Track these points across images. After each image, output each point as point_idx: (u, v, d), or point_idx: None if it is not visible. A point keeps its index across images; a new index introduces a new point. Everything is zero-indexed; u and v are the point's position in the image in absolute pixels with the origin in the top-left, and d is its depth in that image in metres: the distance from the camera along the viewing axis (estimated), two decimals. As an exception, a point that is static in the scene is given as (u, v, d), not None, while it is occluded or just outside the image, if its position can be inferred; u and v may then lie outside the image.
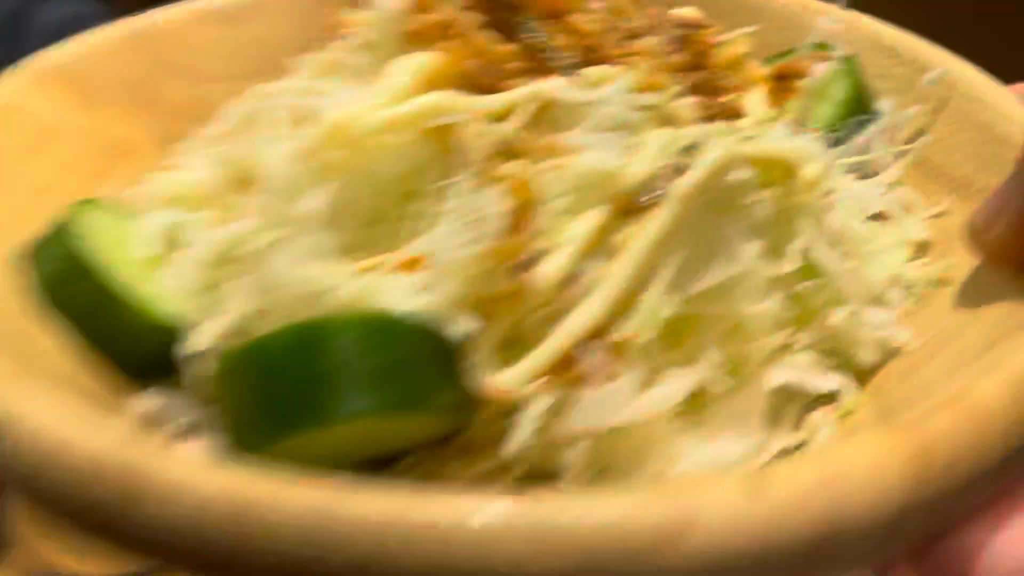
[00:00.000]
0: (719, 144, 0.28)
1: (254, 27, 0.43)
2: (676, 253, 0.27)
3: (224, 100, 0.37)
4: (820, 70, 0.38)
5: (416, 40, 0.30)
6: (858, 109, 0.38)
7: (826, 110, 0.38)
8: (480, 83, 0.29)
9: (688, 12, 0.39)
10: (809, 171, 0.30)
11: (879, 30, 0.41)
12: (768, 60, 0.41)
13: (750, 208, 0.29)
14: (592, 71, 0.30)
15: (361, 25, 0.31)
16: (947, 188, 0.36)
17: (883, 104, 0.39)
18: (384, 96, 0.27)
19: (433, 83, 0.28)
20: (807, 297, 0.30)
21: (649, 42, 0.31)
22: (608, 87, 0.29)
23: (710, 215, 0.28)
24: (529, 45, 0.30)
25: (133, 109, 0.38)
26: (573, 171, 0.27)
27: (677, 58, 0.32)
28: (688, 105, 0.30)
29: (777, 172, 0.29)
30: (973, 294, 0.30)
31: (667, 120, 0.29)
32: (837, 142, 0.37)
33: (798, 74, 0.36)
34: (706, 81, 0.33)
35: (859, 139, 0.37)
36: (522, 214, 0.25)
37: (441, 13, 0.30)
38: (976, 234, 0.29)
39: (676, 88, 0.30)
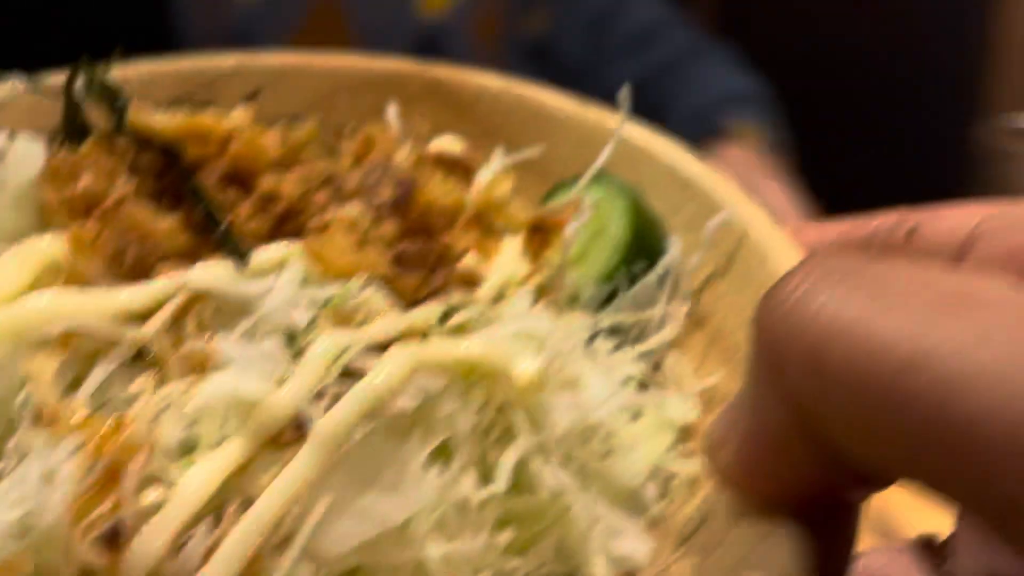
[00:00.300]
0: (399, 355, 0.23)
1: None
2: (330, 496, 0.22)
3: None
4: (591, 209, 0.34)
5: (58, 214, 0.24)
6: (639, 252, 0.34)
7: (600, 254, 0.34)
8: (133, 268, 0.25)
9: (449, 144, 0.35)
10: (524, 371, 0.25)
11: (674, 157, 0.37)
12: (548, 195, 0.37)
13: (447, 422, 0.24)
14: (265, 253, 0.25)
15: None
16: (724, 356, 0.31)
17: (672, 244, 0.35)
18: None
19: (55, 277, 0.23)
20: (525, 518, 0.26)
21: (351, 211, 0.26)
22: (279, 275, 0.25)
23: (383, 441, 0.23)
24: (202, 216, 0.25)
25: None
26: (204, 398, 0.22)
27: (391, 225, 0.27)
28: (381, 294, 0.25)
29: (482, 376, 0.25)
30: (711, 523, 0.25)
31: (349, 317, 0.24)
32: (609, 296, 0.33)
33: (556, 226, 0.31)
34: (430, 247, 0.28)
35: (635, 290, 0.33)
36: (114, 466, 0.20)
37: (91, 180, 0.25)
38: (709, 450, 0.24)
39: (374, 270, 0.26)
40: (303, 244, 0.25)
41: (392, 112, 0.41)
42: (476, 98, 0.41)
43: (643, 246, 0.34)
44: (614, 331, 0.32)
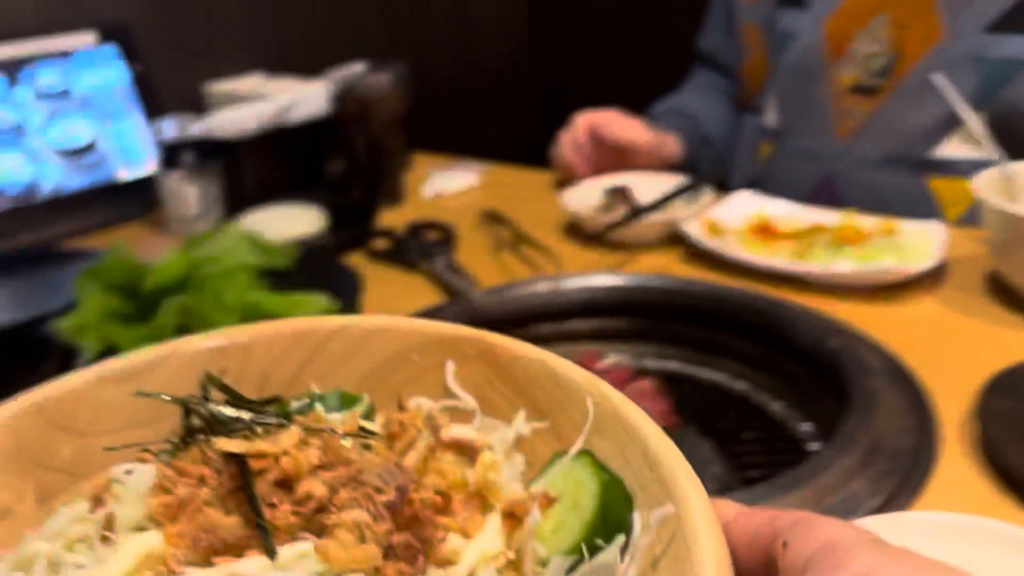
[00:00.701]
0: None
1: (146, 384, 0.50)
2: None
3: (102, 453, 0.45)
4: (571, 486, 0.42)
5: (159, 516, 0.36)
6: (605, 528, 0.41)
7: (571, 529, 0.42)
8: (204, 554, 0.36)
9: (461, 432, 0.44)
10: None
11: (650, 436, 0.44)
12: (552, 459, 0.45)
13: None
14: (289, 551, 0.35)
15: (112, 498, 0.38)
16: (655, 631, 0.39)
17: (636, 522, 0.42)
18: (99, 583, 0.34)
19: (152, 563, 0.35)
20: None
21: (355, 515, 0.36)
22: (298, 568, 0.35)
23: None
24: (252, 516, 0.36)
25: (19, 473, 0.46)
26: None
27: (385, 524, 0.37)
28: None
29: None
30: None
31: (340, 604, 0.34)
32: (574, 565, 0.41)
33: (524, 513, 0.40)
34: (417, 538, 0.37)
35: (595, 562, 0.41)
36: None
37: (183, 491, 0.36)
38: None
39: (368, 564, 0.35)
40: (315, 543, 0.35)
41: (450, 368, 0.52)
42: (513, 363, 0.51)
43: (609, 523, 0.42)
44: (572, 598, 0.40)
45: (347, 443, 0.42)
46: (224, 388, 0.42)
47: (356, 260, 1.53)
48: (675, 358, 1.31)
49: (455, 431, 0.43)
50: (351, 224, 1.65)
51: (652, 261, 1.45)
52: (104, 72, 1.84)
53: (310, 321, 0.54)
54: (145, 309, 1.22)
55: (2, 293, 1.53)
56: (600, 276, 1.34)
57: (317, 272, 1.41)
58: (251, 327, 0.53)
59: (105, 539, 0.37)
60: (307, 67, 2.24)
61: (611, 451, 0.45)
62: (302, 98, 1.81)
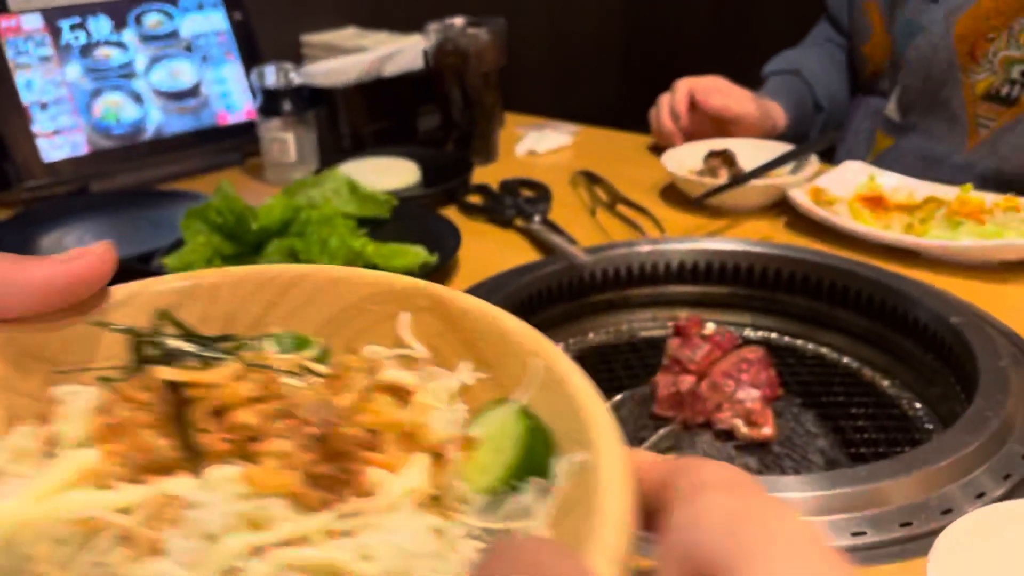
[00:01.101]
0: (273, 557, 0.34)
1: (115, 318, 0.52)
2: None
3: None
4: (498, 431, 0.43)
5: (99, 436, 0.38)
6: (527, 471, 0.43)
7: (494, 470, 0.43)
8: (137, 473, 0.37)
9: (397, 375, 0.46)
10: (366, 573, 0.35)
11: (577, 388, 0.44)
12: (486, 408, 0.47)
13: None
14: (217, 473, 0.37)
15: (57, 417, 0.40)
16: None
17: (557, 467, 0.43)
18: (36, 492, 0.35)
19: (90, 478, 0.37)
20: None
21: (281, 444, 0.38)
22: (223, 490, 0.36)
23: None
24: (183, 440, 0.38)
25: None
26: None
27: (310, 455, 0.38)
28: (289, 508, 0.37)
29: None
30: None
31: (259, 525, 0.36)
32: (493, 503, 0.42)
33: (445, 454, 0.41)
34: (339, 470, 0.39)
35: (513, 502, 0.42)
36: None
37: (121, 414, 0.38)
38: None
39: (290, 489, 0.37)
40: (241, 469, 0.37)
41: (404, 318, 0.53)
42: (462, 315, 0.52)
43: (531, 468, 0.43)
44: (490, 534, 0.42)
45: (293, 382, 0.44)
46: (175, 323, 0.44)
47: (449, 214, 1.51)
48: (776, 329, 1.26)
49: (391, 374, 0.44)
50: (444, 178, 1.63)
51: (754, 227, 1.40)
52: (206, 18, 1.86)
53: (274, 267, 0.55)
54: (249, 250, 1.25)
55: (109, 230, 1.56)
56: (704, 241, 1.29)
57: (413, 224, 1.41)
58: (219, 270, 0.54)
59: (49, 455, 0.39)
60: (399, 24, 2.24)
61: (542, 401, 0.46)
62: (399, 50, 1.81)
